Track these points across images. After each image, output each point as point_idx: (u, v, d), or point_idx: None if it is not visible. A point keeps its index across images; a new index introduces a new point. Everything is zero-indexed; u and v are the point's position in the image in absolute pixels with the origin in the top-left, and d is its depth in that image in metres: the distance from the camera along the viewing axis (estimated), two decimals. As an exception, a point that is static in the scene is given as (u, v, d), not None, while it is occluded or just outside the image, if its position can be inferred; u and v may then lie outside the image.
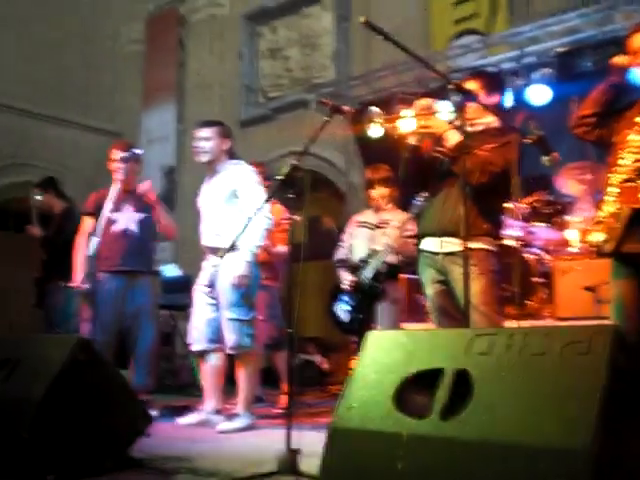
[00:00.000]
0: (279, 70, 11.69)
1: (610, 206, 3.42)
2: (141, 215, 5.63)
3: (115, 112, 12.68)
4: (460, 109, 3.08)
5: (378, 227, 5.46)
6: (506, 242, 6.08)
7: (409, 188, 4.74)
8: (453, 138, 3.75)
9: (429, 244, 3.96)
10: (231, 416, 4.85)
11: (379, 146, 6.31)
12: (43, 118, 11.72)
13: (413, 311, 6.38)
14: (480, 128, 3.94)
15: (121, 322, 5.50)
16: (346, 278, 5.41)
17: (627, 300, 3.45)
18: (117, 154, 5.37)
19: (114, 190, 4.85)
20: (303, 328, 11.28)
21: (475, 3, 9.45)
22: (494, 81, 4.13)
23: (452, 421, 2.05)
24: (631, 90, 3.62)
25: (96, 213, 5.24)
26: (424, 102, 3.79)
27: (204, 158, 5.03)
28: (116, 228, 5.53)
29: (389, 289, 5.27)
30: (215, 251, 4.84)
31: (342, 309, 5.39)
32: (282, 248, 5.81)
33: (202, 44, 12.40)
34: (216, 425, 4.78)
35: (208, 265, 4.98)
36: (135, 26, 13.11)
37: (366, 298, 5.26)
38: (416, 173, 4.06)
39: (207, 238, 5.01)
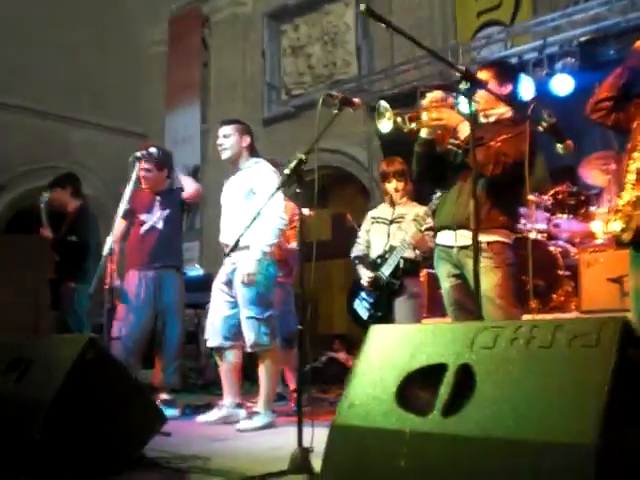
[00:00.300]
0: (302, 67, 11.68)
1: (628, 193, 3.33)
2: (166, 211, 5.68)
3: (139, 114, 12.75)
4: (469, 98, 3.00)
5: (393, 222, 5.38)
6: (531, 235, 6.02)
7: (423, 182, 4.67)
8: (466, 130, 3.69)
9: (444, 238, 3.91)
10: (251, 414, 4.85)
11: (401, 140, 6.29)
12: (67, 121, 11.84)
13: (434, 306, 6.31)
14: (493, 119, 3.88)
15: (152, 320, 5.55)
16: (364, 275, 5.35)
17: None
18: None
19: (127, 190, 4.85)
20: (329, 325, 11.28)
21: (499, -6, 9.39)
22: (506, 71, 4.07)
23: (454, 417, 1.98)
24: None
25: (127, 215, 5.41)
26: (436, 94, 3.72)
27: (225, 155, 5.11)
28: (144, 227, 5.63)
29: (408, 284, 5.18)
30: (238, 249, 4.76)
31: (361, 306, 5.33)
32: (295, 245, 5.81)
33: (225, 43, 12.43)
34: (237, 419, 4.83)
35: (227, 262, 4.99)
36: (158, 27, 13.16)
37: (385, 294, 5.19)
38: (430, 167, 4.00)
39: (225, 235, 5.03)
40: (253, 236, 4.72)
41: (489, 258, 3.69)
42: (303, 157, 3.34)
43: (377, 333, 2.40)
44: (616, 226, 3.38)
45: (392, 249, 5.21)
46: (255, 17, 12.17)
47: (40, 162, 11.27)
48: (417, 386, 2.17)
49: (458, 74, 2.90)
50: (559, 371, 1.94)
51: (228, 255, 4.68)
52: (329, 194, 11.83)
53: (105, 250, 4.52)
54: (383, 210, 5.57)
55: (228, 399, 5.03)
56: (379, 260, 5.27)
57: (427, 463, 1.98)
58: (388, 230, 5.36)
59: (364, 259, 5.47)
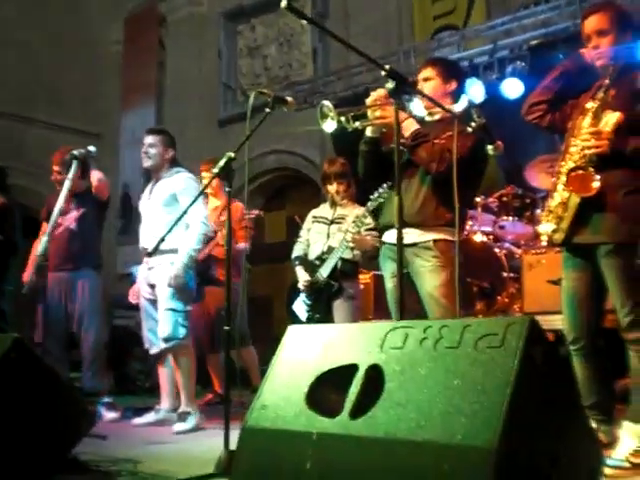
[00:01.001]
0: (258, 69, 11.65)
1: (559, 195, 3.34)
2: (80, 211, 5.63)
3: (95, 114, 12.59)
4: (396, 97, 2.99)
5: (334, 222, 5.36)
6: (476, 237, 6.05)
7: (369, 181, 4.65)
8: (410, 127, 3.68)
9: (390, 236, 3.85)
10: (182, 415, 4.81)
11: (354, 141, 6.28)
12: (22, 120, 11.65)
13: (381, 308, 6.31)
14: (438, 117, 3.86)
15: (69, 323, 5.50)
16: (301, 278, 5.33)
17: (578, 293, 3.37)
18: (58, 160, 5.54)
19: (62, 193, 4.78)
20: (283, 328, 11.22)
21: (453, -1, 9.44)
22: (451, 68, 4.04)
23: (361, 419, 1.98)
24: (584, 75, 3.54)
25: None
26: (379, 92, 3.68)
27: (146, 163, 5.17)
28: (58, 230, 5.49)
29: (346, 286, 5.16)
30: (151, 255, 4.84)
31: (300, 308, 5.30)
32: (242, 245, 5.89)
33: (181, 43, 12.33)
34: (173, 422, 4.80)
35: (144, 269, 5.05)
36: (115, 26, 13.03)
37: (323, 296, 5.17)
38: (375, 166, 3.97)
39: (145, 240, 5.06)
40: (177, 241, 4.79)
41: (435, 257, 3.68)
42: (232, 155, 3.30)
43: (292, 334, 2.38)
44: (547, 227, 3.40)
45: (330, 250, 5.18)
46: (211, 17, 12.10)
47: (-6, 161, 11.08)
48: (328, 387, 2.16)
49: (383, 73, 2.87)
50: (464, 372, 1.93)
51: (149, 256, 4.67)
52: (286, 196, 11.82)
53: (39, 250, 4.44)
54: (324, 210, 5.55)
55: (166, 402, 5.03)
56: (317, 261, 5.24)
57: (332, 465, 1.97)
58: (328, 230, 5.34)
59: (304, 260, 5.44)
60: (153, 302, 4.98)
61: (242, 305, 5.89)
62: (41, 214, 5.77)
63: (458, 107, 3.89)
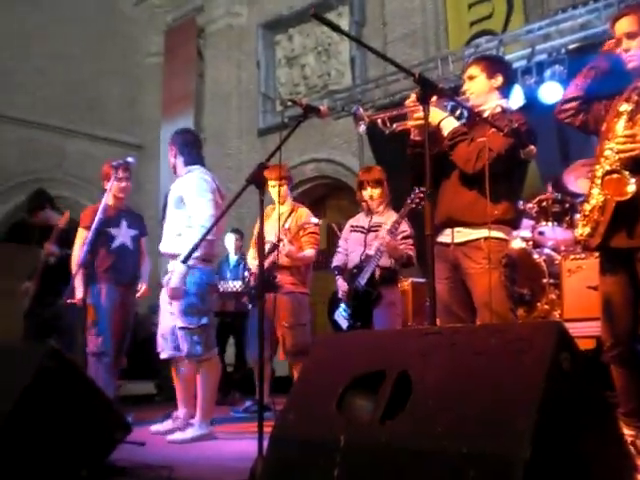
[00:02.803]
0: (296, 78, 11.69)
1: (595, 199, 3.30)
2: (133, 232, 5.79)
3: (135, 124, 12.77)
4: (425, 103, 2.97)
5: (370, 231, 5.35)
6: (516, 243, 5.99)
7: (421, 185, 4.59)
8: (448, 127, 3.64)
9: (441, 236, 3.76)
10: (184, 425, 4.83)
11: (391, 147, 6.24)
12: (63, 132, 11.84)
13: (419, 314, 6.29)
14: (486, 114, 3.76)
15: (124, 332, 5.62)
16: (340, 287, 5.33)
17: (615, 298, 3.32)
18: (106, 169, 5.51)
19: (103, 202, 4.85)
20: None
21: (490, 4, 9.37)
22: (495, 63, 3.96)
23: (389, 427, 1.96)
24: (617, 76, 3.49)
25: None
26: (415, 94, 3.66)
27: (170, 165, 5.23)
28: (117, 243, 5.66)
29: (385, 293, 5.15)
30: (169, 257, 4.92)
31: (341, 316, 5.28)
32: (309, 252, 5.67)
33: (220, 54, 12.44)
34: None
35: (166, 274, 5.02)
36: (154, 39, 13.20)
37: (363, 304, 5.15)
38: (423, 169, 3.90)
39: (161, 244, 5.07)
40: (183, 245, 4.67)
41: (485, 258, 3.54)
42: (264, 163, 3.30)
43: (321, 342, 2.38)
44: (584, 231, 3.35)
45: (368, 258, 5.17)
46: (250, 28, 12.18)
47: (35, 173, 11.28)
48: (356, 394, 2.15)
49: (411, 78, 2.86)
50: (492, 378, 1.91)
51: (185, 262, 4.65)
52: (325, 204, 11.83)
53: (81, 260, 4.52)
54: (360, 219, 5.55)
55: (182, 410, 5.01)
56: (355, 270, 5.24)
57: (359, 472, 1.96)
58: (365, 239, 5.34)
59: (343, 269, 5.44)
60: (170, 311, 4.92)
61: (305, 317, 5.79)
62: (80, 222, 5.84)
63: (511, 103, 3.83)
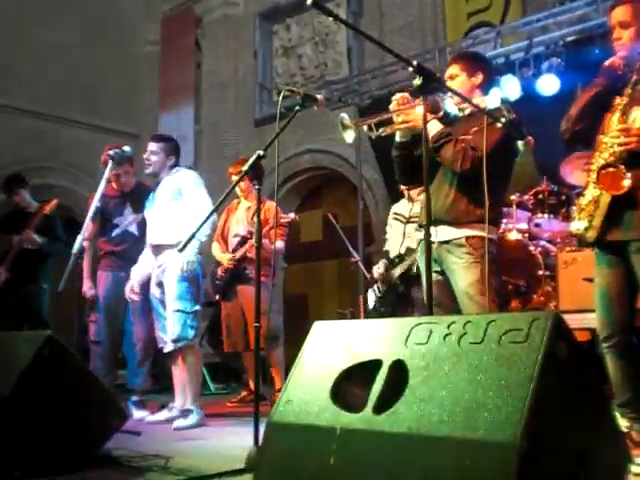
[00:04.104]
0: (293, 68, 11.67)
1: (590, 192, 3.31)
2: (140, 216, 5.66)
3: (132, 114, 12.72)
4: (424, 94, 2.97)
5: (409, 221, 5.36)
6: (512, 235, 5.99)
7: (406, 185, 4.60)
8: (433, 129, 3.65)
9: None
10: (184, 412, 4.88)
11: (390, 140, 6.24)
12: (59, 121, 11.79)
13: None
14: (468, 112, 3.81)
15: (120, 320, 5.60)
16: (378, 268, 5.36)
17: (610, 290, 3.33)
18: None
19: (99, 191, 4.84)
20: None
21: (488, -5, 9.38)
22: (475, 61, 3.99)
23: (385, 414, 1.97)
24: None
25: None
26: (401, 97, 3.68)
27: (147, 170, 5.24)
28: (118, 231, 5.68)
29: (414, 291, 5.16)
30: (159, 249, 4.96)
31: (372, 295, 5.36)
32: (279, 244, 5.89)
33: (217, 44, 12.41)
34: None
35: (154, 267, 5.06)
36: (151, 27, 13.15)
37: (392, 294, 5.20)
38: (410, 170, 3.92)
39: (151, 236, 5.11)
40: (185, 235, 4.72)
41: (468, 253, 3.63)
42: (261, 153, 3.30)
43: (318, 329, 2.39)
44: (579, 225, 3.36)
45: (408, 251, 5.18)
46: (247, 17, 12.14)
47: (31, 162, 11.21)
48: (352, 383, 2.16)
49: (411, 69, 2.86)
50: (488, 367, 1.92)
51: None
52: (321, 195, 11.83)
53: (75, 249, 4.51)
54: (402, 206, 5.55)
55: (179, 401, 5.06)
56: (397, 260, 5.26)
57: (355, 460, 1.97)
58: (404, 229, 5.34)
59: (388, 256, 5.50)
60: (161, 302, 5.01)
61: (274, 305, 5.93)
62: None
63: (489, 100, 3.84)
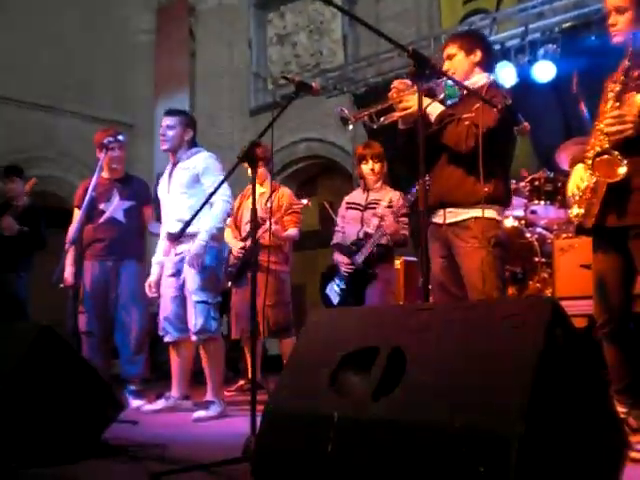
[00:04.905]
0: (287, 56, 11.62)
1: (587, 180, 3.29)
2: (127, 203, 5.64)
3: (127, 104, 12.66)
4: (419, 80, 2.95)
5: (367, 208, 5.35)
6: (508, 222, 5.99)
7: (410, 172, 4.55)
8: (434, 112, 3.63)
9: (435, 217, 3.78)
10: (205, 404, 4.79)
11: (386, 129, 6.22)
12: (53, 110, 11.73)
13: (412, 293, 6.30)
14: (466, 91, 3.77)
15: (110, 309, 5.53)
16: (342, 261, 5.32)
17: (608, 276, 3.33)
18: (98, 142, 5.39)
19: (94, 178, 4.81)
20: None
21: (484, -18, 9.32)
22: (471, 39, 3.95)
23: (382, 402, 1.96)
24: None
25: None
26: (399, 83, 3.65)
27: (164, 146, 5.05)
28: (104, 217, 5.57)
29: (380, 271, 5.16)
30: (177, 238, 4.78)
31: (333, 291, 5.29)
32: (292, 231, 5.84)
33: (211, 33, 12.36)
34: (185, 410, 4.86)
35: (170, 254, 4.95)
36: (145, 16, 13.08)
37: (357, 281, 5.16)
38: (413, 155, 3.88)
39: (169, 225, 4.99)
40: (200, 223, 4.70)
41: (474, 237, 3.58)
42: (256, 140, 3.28)
43: (315, 317, 2.37)
44: (578, 211, 3.35)
45: (366, 236, 5.17)
46: (241, 6, 12.09)
47: (26, 153, 11.17)
48: (350, 370, 2.15)
49: (406, 54, 2.83)
50: (486, 354, 1.91)
51: (174, 239, 4.61)
52: (317, 184, 11.81)
53: (69, 239, 4.49)
54: (357, 195, 5.54)
55: (176, 389, 5.04)
56: (354, 247, 5.24)
57: (352, 448, 1.95)
58: (362, 216, 5.33)
59: (342, 245, 5.45)
60: (176, 294, 4.91)
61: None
62: (74, 201, 5.77)
63: (487, 77, 3.80)
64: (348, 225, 5.44)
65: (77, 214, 5.51)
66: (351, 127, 3.62)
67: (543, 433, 1.75)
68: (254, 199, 3.23)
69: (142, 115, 12.57)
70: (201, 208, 3.66)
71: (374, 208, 5.28)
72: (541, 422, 1.75)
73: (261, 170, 5.95)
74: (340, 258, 5.39)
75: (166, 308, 4.96)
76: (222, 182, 3.32)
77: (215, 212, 4.78)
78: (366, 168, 5.42)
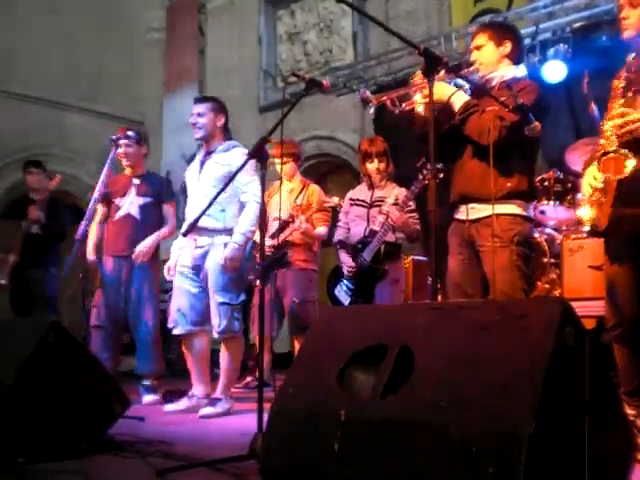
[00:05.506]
0: (297, 54, 11.58)
1: (597, 180, 3.26)
2: (143, 199, 5.62)
3: (136, 101, 12.68)
4: (430, 77, 2.93)
5: (373, 205, 5.32)
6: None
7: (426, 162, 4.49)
8: (459, 101, 3.58)
9: (458, 213, 3.76)
10: (213, 400, 4.76)
11: (395, 126, 6.18)
12: (62, 107, 11.77)
13: (421, 292, 6.28)
14: (495, 82, 3.72)
15: (121, 305, 5.52)
16: (346, 263, 5.29)
17: (619, 279, 3.27)
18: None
19: (103, 174, 4.81)
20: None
21: (496, -19, 9.28)
22: (502, 29, 3.89)
23: (390, 401, 1.95)
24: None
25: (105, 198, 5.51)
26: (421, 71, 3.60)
27: (198, 134, 4.90)
28: (120, 213, 5.58)
29: (389, 269, 5.14)
30: (201, 230, 4.61)
31: (342, 292, 5.26)
32: (322, 229, 5.81)
33: (221, 30, 12.35)
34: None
35: (189, 246, 4.82)
36: (154, 14, 13.10)
37: (366, 280, 5.14)
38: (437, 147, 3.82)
39: (193, 215, 4.85)
40: (232, 221, 4.67)
41: (496, 236, 3.47)
42: (266, 137, 3.27)
43: (324, 315, 2.37)
44: (588, 214, 3.31)
45: (373, 233, 5.15)
46: (251, 3, 12.06)
47: (35, 149, 11.20)
48: (358, 368, 2.14)
49: (417, 53, 2.82)
50: (496, 354, 1.90)
51: (185, 234, 4.51)
52: (326, 181, 11.78)
53: (78, 234, 4.50)
54: (362, 192, 5.52)
55: (198, 388, 4.91)
56: (360, 245, 5.22)
57: (359, 447, 1.95)
58: (367, 213, 5.31)
59: (346, 244, 5.42)
60: (193, 285, 4.83)
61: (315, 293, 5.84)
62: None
63: (518, 71, 3.76)
64: (353, 223, 5.41)
65: (100, 211, 5.64)
66: (372, 110, 3.57)
67: (553, 434, 1.74)
68: (263, 196, 3.24)
69: (152, 112, 12.58)
70: (208, 206, 3.65)
71: (379, 206, 5.26)
72: (551, 423, 1.74)
73: (289, 165, 5.95)
74: (344, 258, 5.37)
75: (180, 300, 4.85)
76: (231, 180, 3.27)
77: (249, 214, 4.68)
78: (372, 167, 5.40)
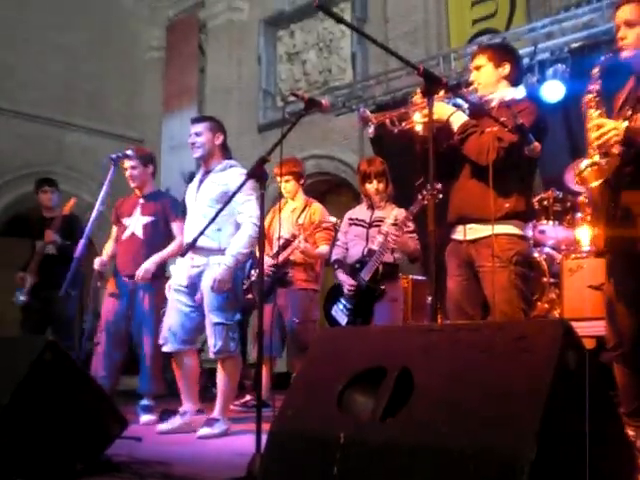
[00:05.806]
0: (297, 74, 11.65)
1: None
2: (146, 219, 5.62)
3: (135, 119, 12.73)
4: (429, 98, 2.93)
5: (372, 225, 5.31)
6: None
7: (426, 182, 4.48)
8: (458, 121, 3.58)
9: (455, 233, 3.74)
10: (210, 421, 4.71)
11: (394, 145, 6.18)
12: (62, 125, 11.81)
13: (420, 312, 6.27)
14: (494, 103, 3.71)
15: (126, 326, 5.51)
16: (346, 282, 5.27)
17: (620, 298, 3.25)
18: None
19: (102, 192, 4.82)
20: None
21: (493, 2, 9.33)
22: (501, 51, 3.88)
23: (390, 424, 1.93)
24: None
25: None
26: (421, 91, 3.60)
27: (197, 153, 4.90)
28: (126, 233, 5.62)
29: (388, 289, 5.12)
30: (198, 249, 4.60)
31: (340, 312, 5.23)
32: (323, 249, 5.74)
33: (221, 49, 12.41)
34: (198, 426, 4.69)
35: (186, 265, 4.82)
36: (155, 33, 13.17)
37: (364, 300, 5.12)
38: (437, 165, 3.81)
39: (191, 235, 4.77)
40: (228, 241, 4.65)
41: (495, 257, 3.44)
42: (265, 157, 3.27)
43: (323, 336, 2.35)
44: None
45: (371, 253, 5.13)
46: (251, 23, 12.14)
47: (35, 167, 11.20)
48: (357, 390, 2.12)
49: (416, 73, 2.82)
50: (496, 376, 1.88)
51: (184, 253, 4.49)
52: (325, 201, 11.76)
53: (77, 252, 4.49)
54: (361, 212, 5.51)
55: (188, 405, 4.89)
56: (358, 265, 5.20)
57: (359, 470, 1.92)
58: (367, 233, 5.30)
59: (344, 263, 5.40)
60: (186, 304, 4.81)
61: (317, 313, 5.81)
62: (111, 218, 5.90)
63: (516, 92, 3.76)
64: (352, 243, 5.40)
65: (114, 231, 5.72)
66: (372, 130, 3.56)
67: (554, 457, 1.71)
68: (262, 216, 3.22)
69: (151, 130, 12.60)
70: (207, 226, 3.64)
71: (379, 226, 5.25)
72: (553, 446, 1.71)
73: (292, 184, 5.93)
74: (343, 277, 5.35)
75: (172, 318, 4.84)
76: (230, 199, 3.26)
77: (243, 236, 4.66)
78: (371, 187, 5.39)
